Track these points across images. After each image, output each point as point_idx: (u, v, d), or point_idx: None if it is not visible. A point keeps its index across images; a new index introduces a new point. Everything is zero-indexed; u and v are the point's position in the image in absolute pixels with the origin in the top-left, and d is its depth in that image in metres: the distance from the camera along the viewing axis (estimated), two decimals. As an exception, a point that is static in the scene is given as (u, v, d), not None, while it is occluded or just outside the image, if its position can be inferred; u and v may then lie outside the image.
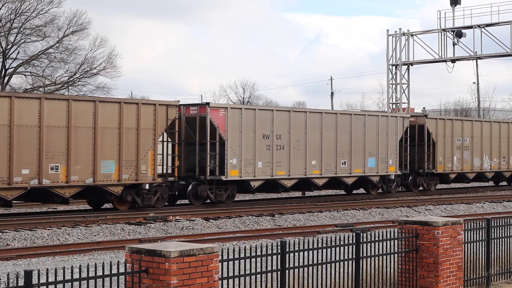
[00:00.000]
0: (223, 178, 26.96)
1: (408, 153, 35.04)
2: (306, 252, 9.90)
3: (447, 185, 41.74)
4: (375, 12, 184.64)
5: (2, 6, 48.44)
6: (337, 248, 10.20)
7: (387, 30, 46.08)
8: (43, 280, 10.14)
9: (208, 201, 27.44)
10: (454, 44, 43.46)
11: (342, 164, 31.32)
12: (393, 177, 33.79)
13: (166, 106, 25.56)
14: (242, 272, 8.95)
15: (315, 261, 9.92)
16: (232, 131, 27.27)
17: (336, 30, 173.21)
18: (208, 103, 26.98)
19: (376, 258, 10.88)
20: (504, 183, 43.79)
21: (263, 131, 28.29)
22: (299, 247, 9.93)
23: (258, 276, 9.24)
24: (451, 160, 36.89)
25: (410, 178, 35.81)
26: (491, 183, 43.50)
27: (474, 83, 73.90)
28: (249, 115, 27.94)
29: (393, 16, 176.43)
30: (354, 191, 35.18)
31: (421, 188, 36.66)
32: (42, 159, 22.35)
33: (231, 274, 9.00)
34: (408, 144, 34.92)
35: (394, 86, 46.02)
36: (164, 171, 25.86)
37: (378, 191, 33.66)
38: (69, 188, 23.08)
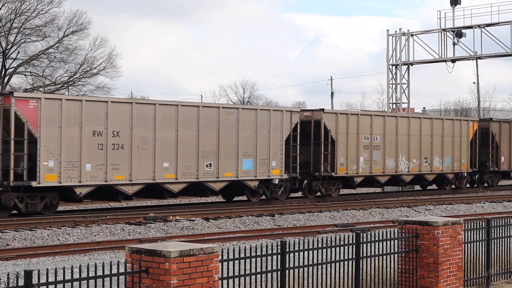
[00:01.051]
0: (33, 184, 22.11)
1: (298, 153, 29.51)
2: (306, 252, 9.90)
3: (354, 190, 36.53)
4: (375, 12, 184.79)
5: (2, 6, 48.47)
6: (337, 248, 10.20)
7: (387, 30, 46.10)
8: (43, 280, 10.14)
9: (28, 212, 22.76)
10: (454, 44, 43.46)
11: (207, 166, 26.25)
12: (277, 182, 28.61)
13: None
14: (242, 272, 8.95)
15: (315, 261, 9.92)
16: (47, 126, 22.48)
17: (336, 30, 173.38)
18: (12, 92, 22.58)
19: (376, 258, 10.88)
20: (434, 186, 38.77)
21: (93, 127, 23.45)
22: (299, 247, 9.93)
23: (258, 276, 9.24)
24: (356, 162, 31.79)
25: (305, 182, 30.71)
26: (417, 187, 39.58)
27: (474, 83, 73.92)
28: (73, 108, 23.09)
29: (392, 16, 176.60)
30: (236, 198, 30.66)
31: (319, 194, 31.53)
32: None
33: (231, 274, 9.00)
34: (298, 143, 29.52)
35: (394, 86, 46.03)
36: None
37: (261, 198, 28.92)
38: None
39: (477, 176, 39.64)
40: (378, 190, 38.24)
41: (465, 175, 37.96)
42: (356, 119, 32.13)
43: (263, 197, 29.03)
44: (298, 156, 29.66)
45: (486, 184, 40.15)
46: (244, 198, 29.81)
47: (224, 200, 30.49)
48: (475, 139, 38.57)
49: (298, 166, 29.59)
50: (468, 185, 39.23)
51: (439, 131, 36.31)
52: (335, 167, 31.03)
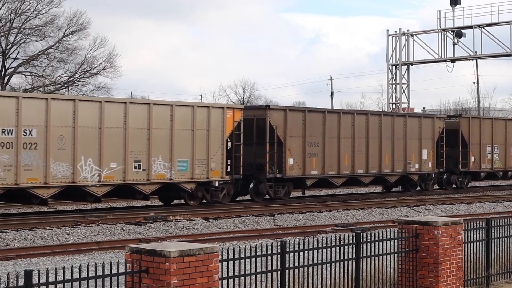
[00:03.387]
0: None
1: None
2: (306, 252, 9.90)
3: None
4: (373, 12, 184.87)
5: (2, 6, 48.49)
6: (337, 248, 10.20)
7: (387, 30, 46.10)
8: (43, 280, 10.14)
9: None
10: (454, 44, 43.46)
11: None
12: None
13: None
14: (242, 272, 8.95)
15: (315, 261, 9.92)
16: None
17: (335, 30, 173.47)
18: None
19: (376, 258, 10.88)
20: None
21: None
22: (299, 247, 9.93)
23: (258, 276, 9.24)
24: None
25: None
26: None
27: (474, 83, 74.04)
28: None
29: (391, 16, 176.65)
30: None
31: None
32: None
33: (231, 274, 9.00)
34: None
35: (394, 86, 46.01)
36: None
37: None
38: None
39: (252, 185, 28.52)
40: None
41: (217, 184, 26.55)
42: None
43: None
44: None
45: (267, 196, 29.11)
46: None
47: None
48: (238, 133, 27.33)
49: None
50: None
51: (165, 122, 25.08)
52: None
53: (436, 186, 37.41)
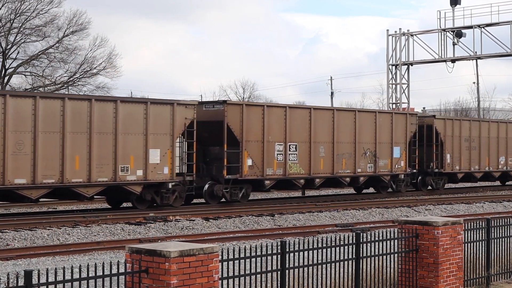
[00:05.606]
0: None
1: None
2: (306, 252, 9.90)
3: None
4: (372, 12, 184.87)
5: (2, 6, 48.49)
6: (337, 248, 10.20)
7: (387, 30, 46.12)
8: (43, 280, 10.14)
9: None
10: (454, 44, 43.48)
11: None
12: None
13: None
14: (242, 272, 8.95)
15: (315, 261, 9.92)
16: None
17: (335, 30, 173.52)
18: None
19: (376, 258, 10.87)
20: None
21: None
22: (299, 247, 9.93)
23: (258, 276, 9.24)
24: None
25: None
26: None
27: (474, 83, 74.03)
28: None
29: (390, 16, 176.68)
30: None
31: None
32: None
33: (231, 274, 9.00)
34: None
35: (394, 86, 46.02)
36: None
37: None
38: None
39: None
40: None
41: None
42: None
43: None
44: None
45: None
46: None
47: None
48: None
49: None
50: None
51: None
52: None
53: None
